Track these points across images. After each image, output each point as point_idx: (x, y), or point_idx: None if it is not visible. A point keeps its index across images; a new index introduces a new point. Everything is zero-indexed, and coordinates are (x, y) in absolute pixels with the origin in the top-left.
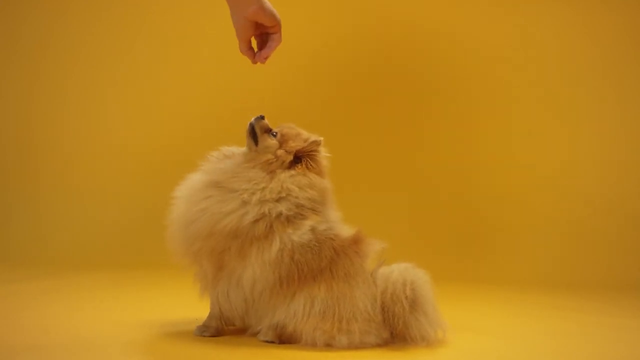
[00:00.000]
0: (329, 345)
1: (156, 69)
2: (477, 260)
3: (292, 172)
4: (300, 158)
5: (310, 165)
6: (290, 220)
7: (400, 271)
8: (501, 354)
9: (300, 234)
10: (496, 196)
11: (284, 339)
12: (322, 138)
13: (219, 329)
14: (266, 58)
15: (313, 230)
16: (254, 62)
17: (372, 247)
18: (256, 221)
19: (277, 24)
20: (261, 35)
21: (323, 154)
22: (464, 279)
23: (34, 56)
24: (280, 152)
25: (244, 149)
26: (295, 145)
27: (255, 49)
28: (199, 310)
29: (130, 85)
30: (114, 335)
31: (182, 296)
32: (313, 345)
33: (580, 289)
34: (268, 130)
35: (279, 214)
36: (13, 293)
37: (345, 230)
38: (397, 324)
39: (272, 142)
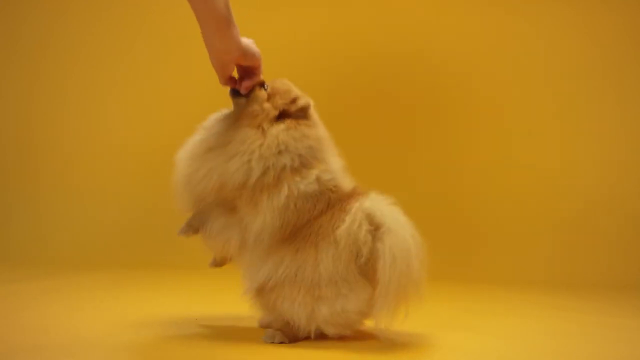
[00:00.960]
0: (311, 319)
1: (156, 69)
2: (476, 259)
3: (282, 125)
4: (287, 116)
5: (301, 120)
6: (296, 170)
7: (370, 200)
8: (501, 354)
9: (307, 182)
10: (495, 196)
11: (292, 337)
12: (310, 102)
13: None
14: (247, 88)
15: (318, 179)
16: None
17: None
18: (264, 173)
19: (258, 64)
20: (242, 67)
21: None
22: (463, 278)
23: (34, 56)
24: (266, 105)
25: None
26: (282, 102)
27: (236, 77)
28: (198, 309)
29: (131, 85)
30: (113, 335)
31: (182, 296)
32: (300, 325)
33: (580, 289)
34: (261, 84)
35: (284, 166)
36: (13, 293)
37: (347, 183)
38: (363, 254)
39: (261, 93)
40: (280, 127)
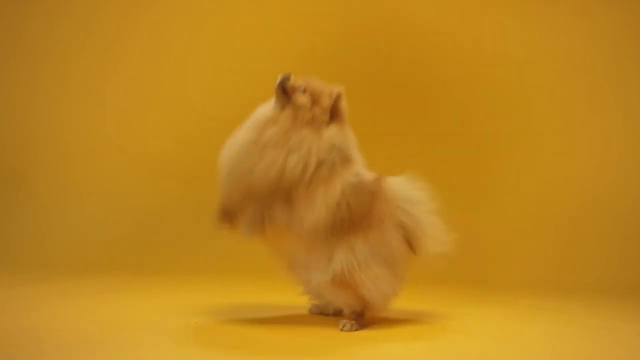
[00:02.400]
0: (392, 296)
1: (158, 73)
2: (473, 262)
3: (334, 128)
4: (333, 114)
5: (341, 119)
6: (343, 165)
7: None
8: (497, 356)
9: (354, 175)
10: (494, 198)
11: (362, 322)
12: (342, 87)
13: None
14: None
15: (357, 174)
16: None
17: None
18: (318, 167)
19: None
20: None
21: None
22: (459, 281)
23: (34, 57)
24: (316, 109)
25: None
26: (328, 102)
27: None
28: (199, 313)
29: (132, 89)
30: (119, 337)
31: (185, 299)
32: (378, 304)
33: (580, 293)
34: (297, 89)
35: (334, 162)
36: (15, 296)
37: (368, 174)
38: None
39: (304, 99)
40: (333, 129)
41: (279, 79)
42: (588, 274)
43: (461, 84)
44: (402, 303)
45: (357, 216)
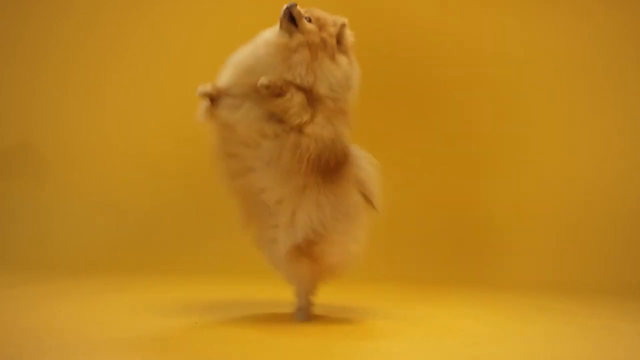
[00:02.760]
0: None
1: (158, 73)
2: (473, 262)
3: (344, 59)
4: (339, 43)
5: (347, 48)
6: (344, 108)
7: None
8: (497, 356)
9: (342, 125)
10: (496, 200)
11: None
12: (346, 18)
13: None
14: None
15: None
16: None
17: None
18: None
19: None
20: None
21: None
22: (460, 281)
23: (35, 59)
24: (325, 35)
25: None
26: (334, 29)
27: None
28: (200, 312)
29: (132, 89)
30: (120, 338)
31: (185, 299)
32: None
33: (581, 293)
34: (303, 15)
35: (339, 99)
36: (15, 296)
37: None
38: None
39: (312, 26)
40: (346, 59)
41: (284, 6)
42: (588, 274)
43: (461, 84)
44: (401, 304)
45: (328, 169)
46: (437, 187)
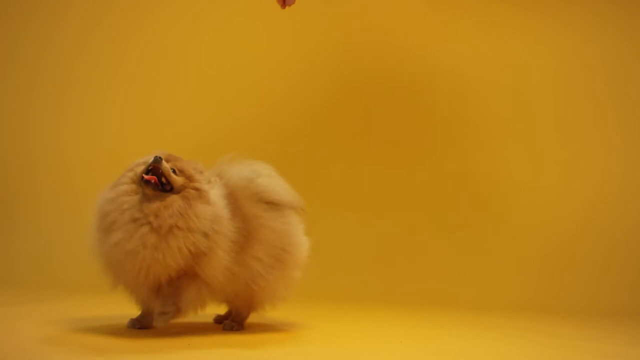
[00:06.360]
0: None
1: (157, 80)
2: (464, 285)
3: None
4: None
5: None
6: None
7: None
8: None
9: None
10: (485, 221)
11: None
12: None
13: None
14: (292, 3)
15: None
16: (283, 7)
17: None
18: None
19: None
20: None
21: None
22: (452, 303)
23: (35, 57)
24: (196, 186)
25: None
26: (199, 177)
27: None
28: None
29: (133, 98)
30: (124, 351)
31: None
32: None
33: (568, 315)
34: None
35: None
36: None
37: (216, 193)
38: None
39: (180, 179)
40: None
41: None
42: (578, 296)
43: (454, 107)
44: (379, 325)
45: (244, 231)
46: (426, 209)
